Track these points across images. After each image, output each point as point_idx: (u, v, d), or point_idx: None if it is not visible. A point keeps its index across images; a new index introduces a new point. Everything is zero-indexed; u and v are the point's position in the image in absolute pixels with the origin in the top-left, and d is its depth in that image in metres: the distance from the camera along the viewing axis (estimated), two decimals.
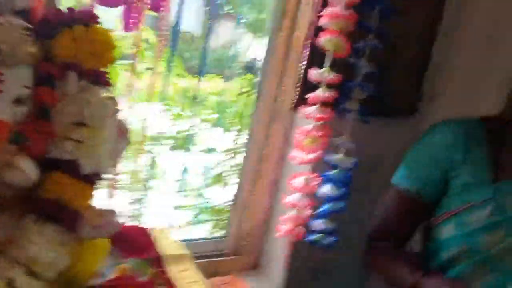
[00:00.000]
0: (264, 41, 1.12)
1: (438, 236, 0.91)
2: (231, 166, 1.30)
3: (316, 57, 1.00)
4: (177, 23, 0.96)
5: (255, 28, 1.25)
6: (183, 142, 1.26)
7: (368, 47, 0.98)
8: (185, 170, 1.27)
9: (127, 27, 0.93)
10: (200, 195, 1.31)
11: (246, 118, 1.21)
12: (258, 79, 1.15)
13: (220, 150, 1.30)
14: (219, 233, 1.26)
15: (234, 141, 1.29)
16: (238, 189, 1.18)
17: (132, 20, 0.93)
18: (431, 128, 0.94)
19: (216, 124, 1.32)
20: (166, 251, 0.82)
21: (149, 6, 0.93)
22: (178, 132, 1.25)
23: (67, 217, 0.54)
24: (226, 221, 1.23)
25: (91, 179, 0.56)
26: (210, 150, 1.33)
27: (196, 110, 1.23)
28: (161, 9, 0.95)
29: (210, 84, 1.25)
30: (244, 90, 1.26)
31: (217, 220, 1.31)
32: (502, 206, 0.85)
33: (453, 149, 0.90)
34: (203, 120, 1.28)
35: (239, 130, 1.26)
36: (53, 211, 0.53)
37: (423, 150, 0.94)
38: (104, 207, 0.57)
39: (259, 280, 1.21)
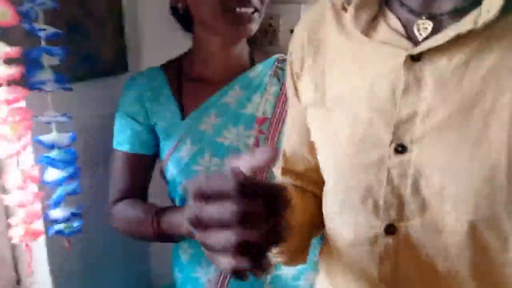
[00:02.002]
0: None
1: (167, 179, 0.97)
2: None
3: None
4: None
5: None
6: None
7: (38, 7, 0.87)
8: None
9: None
10: None
11: None
12: None
13: None
14: None
15: None
16: None
17: None
18: (123, 88, 1.00)
19: None
20: None
21: None
22: None
23: None
24: None
25: None
26: None
27: None
28: None
29: None
30: None
31: None
32: (199, 135, 0.94)
33: (140, 100, 0.98)
34: None
35: None
36: None
37: (122, 111, 0.99)
38: None
39: None
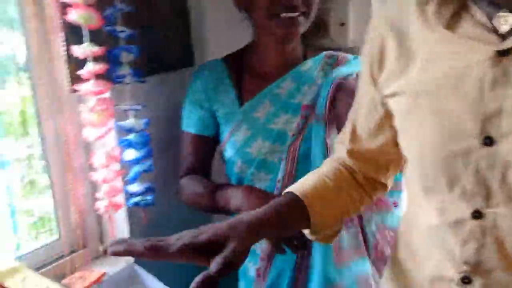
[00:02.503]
0: (16, 33, 1.07)
1: (225, 159, 1.10)
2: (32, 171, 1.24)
3: (74, 34, 1.01)
4: None
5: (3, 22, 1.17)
6: None
7: (118, 12, 1.03)
8: None
9: None
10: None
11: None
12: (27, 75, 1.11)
13: (14, 160, 1.23)
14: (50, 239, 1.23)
15: (28, 146, 1.22)
16: (52, 189, 1.15)
17: None
18: (190, 77, 1.14)
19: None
20: None
21: None
22: None
23: None
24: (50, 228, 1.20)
25: None
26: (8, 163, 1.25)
27: None
28: None
29: None
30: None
31: (43, 227, 1.26)
32: (254, 122, 1.06)
33: (204, 89, 1.11)
34: None
35: (27, 134, 1.21)
36: None
37: (189, 97, 1.13)
38: None
39: (107, 262, 1.23)
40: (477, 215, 0.59)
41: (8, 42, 1.20)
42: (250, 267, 1.09)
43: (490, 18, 0.56)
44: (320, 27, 1.28)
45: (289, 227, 0.68)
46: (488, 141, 0.56)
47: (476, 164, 0.58)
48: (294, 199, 0.69)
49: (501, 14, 0.54)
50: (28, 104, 1.19)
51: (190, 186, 1.11)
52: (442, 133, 0.60)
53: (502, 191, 0.57)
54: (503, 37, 0.55)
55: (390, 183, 0.81)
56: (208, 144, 1.14)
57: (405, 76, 0.64)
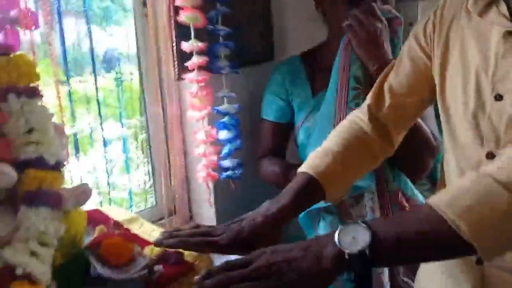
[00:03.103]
0: (113, 29, 1.29)
1: (298, 143, 1.27)
2: (138, 146, 1.47)
3: (182, 32, 1.21)
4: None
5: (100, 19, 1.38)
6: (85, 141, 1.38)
7: (219, 14, 1.23)
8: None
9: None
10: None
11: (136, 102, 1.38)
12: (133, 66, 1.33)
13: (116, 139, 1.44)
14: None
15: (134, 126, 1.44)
16: (154, 158, 1.37)
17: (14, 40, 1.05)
18: (271, 72, 1.33)
19: (110, 117, 1.45)
20: (120, 218, 1.01)
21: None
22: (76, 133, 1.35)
23: (51, 198, 0.71)
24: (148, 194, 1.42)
25: (57, 167, 0.73)
26: (110, 141, 1.47)
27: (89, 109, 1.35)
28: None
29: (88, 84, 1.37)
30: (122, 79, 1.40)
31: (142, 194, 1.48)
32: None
33: (283, 82, 1.29)
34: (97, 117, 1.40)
35: (133, 115, 1.42)
36: (39, 197, 0.70)
37: (270, 88, 1.32)
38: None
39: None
40: (490, 156, 0.75)
41: (114, 36, 1.42)
42: None
43: (510, 10, 0.74)
44: (388, 26, 1.41)
45: (307, 206, 0.86)
46: (498, 96, 0.73)
47: (489, 115, 0.74)
48: (311, 182, 0.84)
49: None
50: (135, 90, 1.42)
51: (268, 166, 1.30)
52: (468, 92, 0.77)
53: (507, 136, 0.72)
54: None
55: (396, 145, 0.95)
56: (284, 130, 1.32)
57: (445, 54, 0.82)
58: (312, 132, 1.22)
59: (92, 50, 1.22)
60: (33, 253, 0.66)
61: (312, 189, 0.84)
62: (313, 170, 0.85)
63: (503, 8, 0.75)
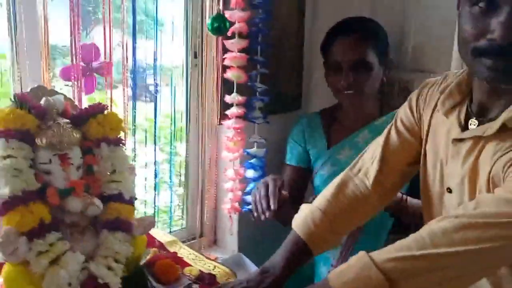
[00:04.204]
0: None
1: (314, 187, 1.48)
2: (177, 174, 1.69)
3: (227, 86, 1.44)
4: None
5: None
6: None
7: (258, 73, 1.46)
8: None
9: (87, 92, 1.28)
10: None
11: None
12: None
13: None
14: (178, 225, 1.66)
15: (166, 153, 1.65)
16: (188, 188, 1.59)
17: (89, 85, 1.28)
18: (294, 123, 1.55)
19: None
20: (162, 239, 1.24)
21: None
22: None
23: (125, 226, 0.93)
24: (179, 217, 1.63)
25: (131, 201, 0.96)
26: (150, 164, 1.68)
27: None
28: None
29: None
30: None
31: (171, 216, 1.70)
32: (336, 161, 1.43)
33: (303, 134, 1.52)
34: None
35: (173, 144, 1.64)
36: (117, 225, 0.92)
37: (292, 137, 1.54)
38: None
39: (219, 250, 1.66)
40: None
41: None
42: (325, 271, 1.46)
43: (468, 119, 0.89)
44: (403, 91, 1.62)
45: (298, 267, 0.98)
46: (449, 190, 0.91)
47: (444, 204, 0.92)
48: (301, 246, 0.98)
49: (471, 120, 0.88)
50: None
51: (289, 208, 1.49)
52: (428, 183, 0.96)
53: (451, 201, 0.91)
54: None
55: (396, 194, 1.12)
56: (304, 174, 1.52)
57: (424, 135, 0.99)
58: (327, 179, 1.43)
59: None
60: (109, 268, 0.88)
61: (302, 253, 0.98)
62: (303, 232, 0.99)
63: (462, 114, 0.89)
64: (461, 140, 0.87)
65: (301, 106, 1.75)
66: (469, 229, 0.73)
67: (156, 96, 1.43)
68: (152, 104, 1.43)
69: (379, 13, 1.61)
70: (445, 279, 0.73)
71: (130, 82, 1.31)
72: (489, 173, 0.82)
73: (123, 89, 1.28)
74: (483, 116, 0.87)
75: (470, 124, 0.88)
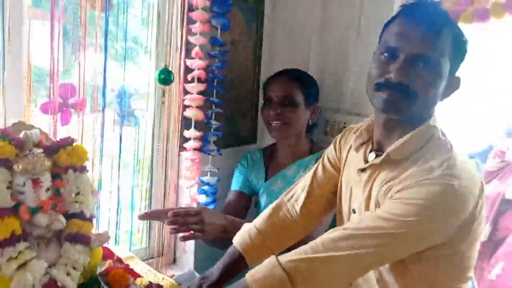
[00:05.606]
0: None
1: (259, 210, 1.69)
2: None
3: (186, 122, 1.66)
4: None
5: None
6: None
7: (213, 112, 1.68)
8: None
9: (63, 124, 1.48)
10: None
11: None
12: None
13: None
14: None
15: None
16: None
17: (65, 118, 1.49)
18: (241, 157, 1.80)
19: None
20: (121, 255, 1.42)
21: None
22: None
23: (84, 239, 1.12)
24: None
25: (91, 219, 1.15)
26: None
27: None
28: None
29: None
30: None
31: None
32: (271, 192, 1.67)
33: (247, 167, 1.76)
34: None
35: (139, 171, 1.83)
36: (77, 238, 1.11)
37: (238, 169, 1.78)
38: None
39: (178, 268, 1.84)
40: None
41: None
42: None
43: (368, 152, 1.11)
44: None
45: (234, 276, 1.14)
46: (353, 211, 1.11)
47: (351, 221, 1.11)
48: (237, 257, 1.16)
49: (371, 154, 1.09)
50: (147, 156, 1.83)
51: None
52: (342, 205, 1.17)
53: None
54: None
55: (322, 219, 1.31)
56: (244, 198, 1.74)
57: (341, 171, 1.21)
58: (265, 206, 1.64)
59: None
60: (68, 274, 1.07)
61: (238, 262, 1.17)
62: (240, 245, 1.18)
63: (368, 150, 1.10)
64: (363, 170, 1.09)
65: (257, 140, 1.98)
66: (351, 238, 0.95)
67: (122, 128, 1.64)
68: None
69: (326, 62, 1.91)
70: (332, 276, 0.96)
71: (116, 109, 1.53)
72: (376, 197, 1.04)
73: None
74: (381, 150, 1.08)
75: (369, 157, 1.10)
